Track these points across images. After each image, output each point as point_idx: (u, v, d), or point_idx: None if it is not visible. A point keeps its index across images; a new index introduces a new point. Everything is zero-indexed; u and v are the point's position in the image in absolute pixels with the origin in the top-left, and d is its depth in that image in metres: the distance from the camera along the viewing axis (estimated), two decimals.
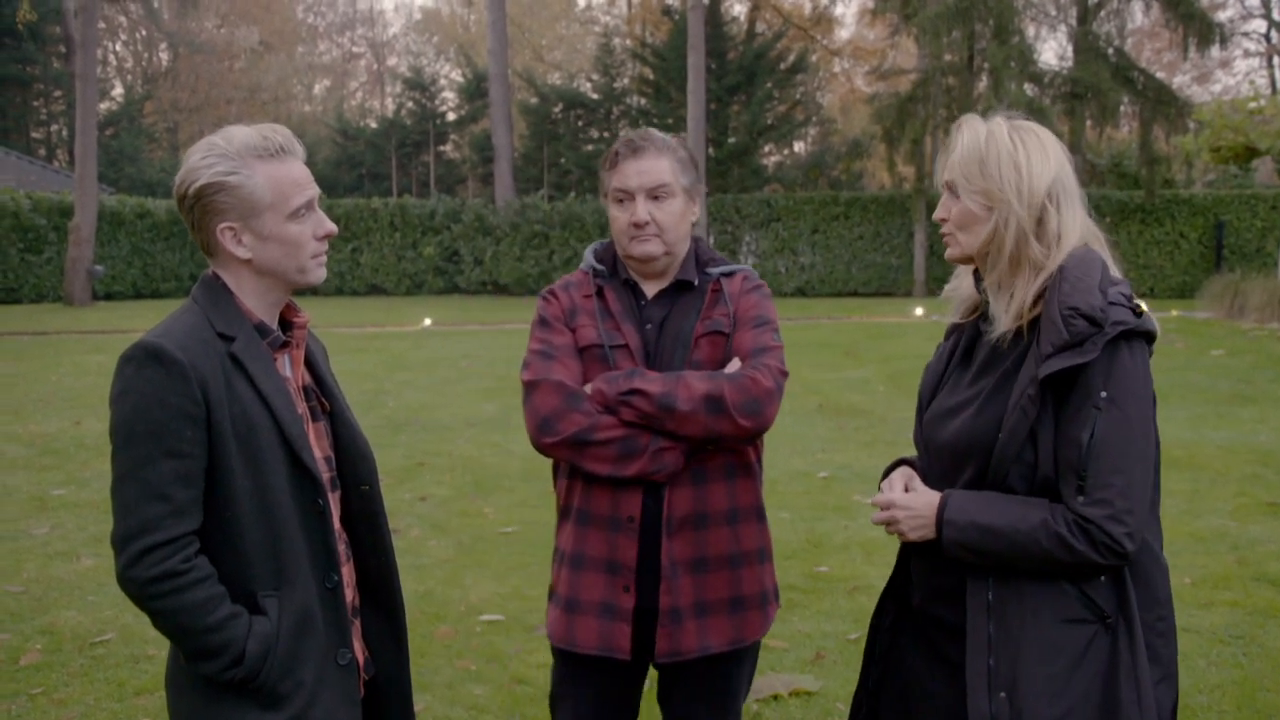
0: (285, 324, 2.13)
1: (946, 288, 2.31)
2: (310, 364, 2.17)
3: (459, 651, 4.60)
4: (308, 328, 2.16)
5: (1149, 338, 2.00)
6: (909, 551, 2.30)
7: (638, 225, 2.59)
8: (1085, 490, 1.93)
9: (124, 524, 1.88)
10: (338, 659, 2.05)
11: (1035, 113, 22.36)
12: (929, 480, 2.19)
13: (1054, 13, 27.74)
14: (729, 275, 2.71)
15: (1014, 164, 2.04)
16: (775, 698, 4.15)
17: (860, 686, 2.38)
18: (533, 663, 4.48)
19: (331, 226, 2.07)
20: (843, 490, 7.33)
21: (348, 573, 2.14)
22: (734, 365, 2.56)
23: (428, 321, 20.06)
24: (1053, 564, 1.96)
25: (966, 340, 2.23)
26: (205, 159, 1.97)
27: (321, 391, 2.17)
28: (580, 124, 33.22)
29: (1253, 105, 18.34)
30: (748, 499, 2.64)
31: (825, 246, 27.83)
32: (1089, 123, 25.76)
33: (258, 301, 2.05)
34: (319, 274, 2.07)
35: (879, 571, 5.63)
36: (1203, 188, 29.12)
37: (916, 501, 2.11)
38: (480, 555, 5.95)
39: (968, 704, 1.99)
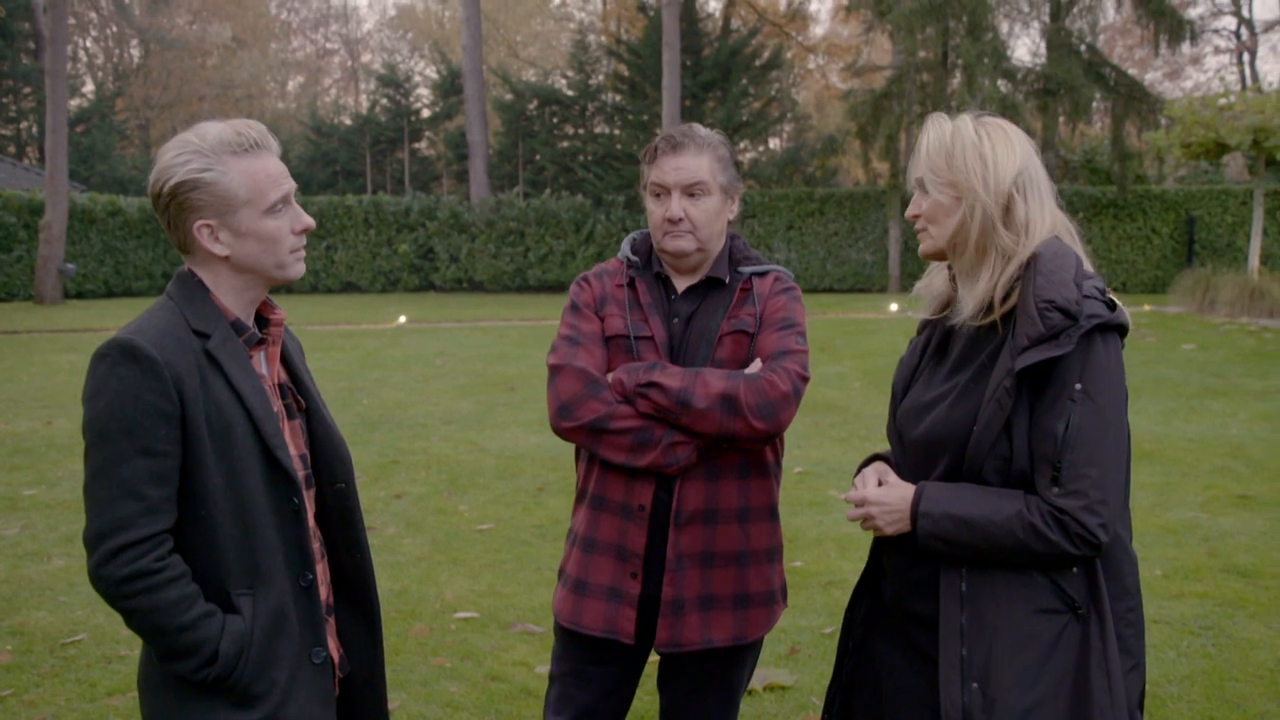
0: (261, 321, 2.12)
1: (918, 284, 2.34)
2: (286, 361, 2.16)
3: (434, 649, 4.59)
4: (284, 325, 2.15)
5: (1122, 331, 2.03)
6: (881, 545, 2.31)
7: (672, 221, 2.62)
8: (1060, 481, 1.95)
9: (97, 522, 1.86)
10: (312, 658, 2.04)
11: (1008, 109, 22.53)
12: (903, 475, 2.20)
13: (1027, 9, 27.84)
14: (761, 275, 2.73)
15: (979, 155, 2.08)
16: (750, 692, 4.16)
17: (834, 680, 2.39)
18: (508, 660, 4.47)
19: (309, 221, 2.06)
20: (818, 485, 7.35)
21: (322, 570, 2.13)
22: (755, 366, 2.59)
23: (403, 319, 19.99)
24: (1027, 555, 1.98)
25: (940, 335, 2.25)
26: (179, 156, 1.95)
27: (297, 389, 2.16)
28: (555, 121, 33.12)
29: (1223, 102, 18.48)
30: (761, 498, 2.67)
31: (801, 243, 27.88)
32: (1062, 119, 25.89)
33: (234, 298, 2.03)
34: (297, 269, 2.06)
35: (853, 566, 5.65)
36: (1174, 183, 29.34)
37: (890, 496, 2.12)
38: (455, 553, 5.93)
39: (940, 694, 2.00)
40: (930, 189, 2.13)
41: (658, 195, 2.66)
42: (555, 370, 2.61)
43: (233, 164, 1.96)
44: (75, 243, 25.63)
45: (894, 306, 20.73)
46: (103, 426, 1.87)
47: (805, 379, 2.58)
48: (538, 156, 32.25)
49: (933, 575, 2.10)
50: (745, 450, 2.62)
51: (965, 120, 2.14)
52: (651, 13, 31.18)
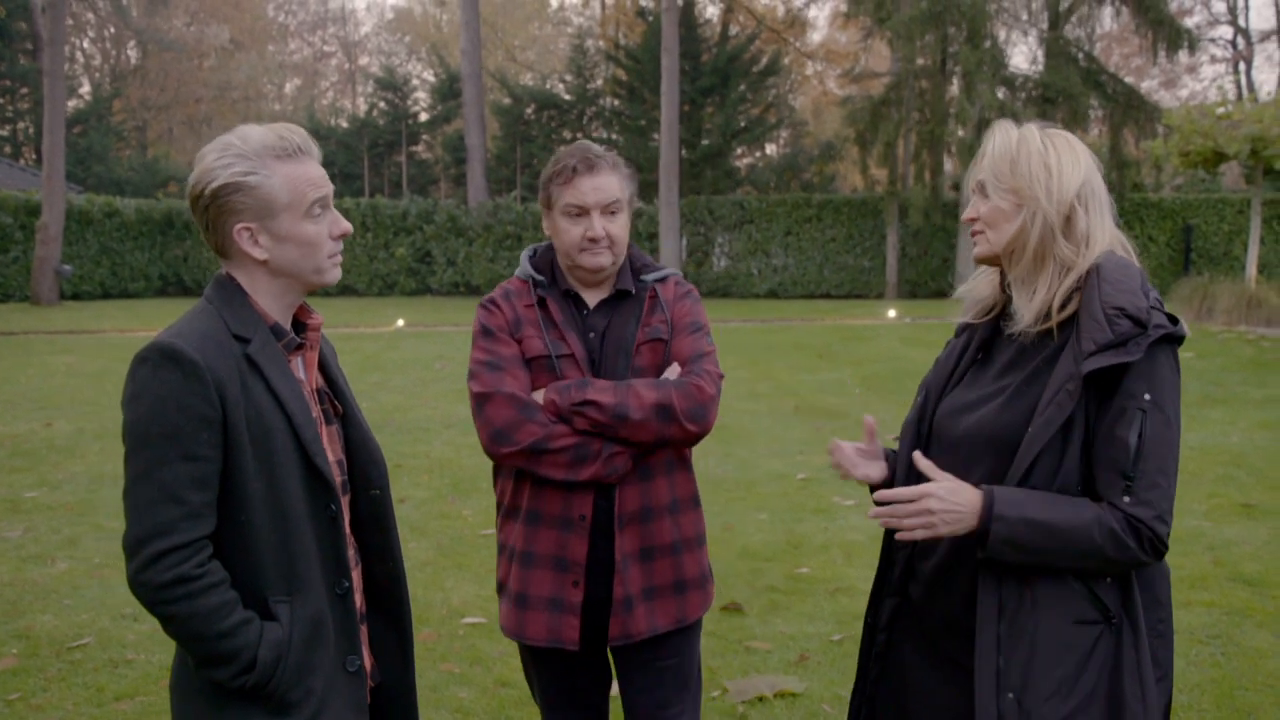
0: (298, 325, 2.11)
1: (961, 288, 2.35)
2: (323, 366, 2.15)
3: (442, 655, 4.58)
4: (321, 330, 2.14)
5: (1180, 343, 2.05)
6: (909, 547, 2.29)
7: (594, 240, 2.69)
8: (1133, 491, 1.95)
9: (137, 527, 1.84)
10: (346, 666, 2.03)
11: (1007, 116, 22.52)
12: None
13: (1025, 17, 27.90)
14: (661, 281, 2.84)
15: (1044, 164, 2.09)
16: (760, 699, 4.15)
17: (857, 688, 2.38)
18: (516, 665, 4.45)
19: (347, 226, 2.05)
20: (821, 492, 7.34)
21: (355, 578, 2.12)
22: (673, 370, 2.70)
23: (400, 323, 19.97)
24: (1099, 561, 1.97)
25: (981, 339, 2.26)
26: (221, 159, 1.93)
27: (334, 394, 2.14)
28: (553, 125, 33.15)
29: (1221, 111, 18.51)
30: (686, 489, 2.81)
31: (798, 248, 27.90)
32: (1060, 126, 25.92)
33: (273, 303, 2.02)
34: (335, 274, 2.05)
35: (859, 573, 5.65)
36: (1171, 192, 29.41)
37: (958, 495, 2.01)
38: (460, 558, 5.92)
39: (975, 704, 2.00)
40: (991, 193, 2.14)
41: (576, 216, 2.70)
42: (483, 398, 2.64)
43: (276, 168, 1.95)
44: (72, 244, 25.57)
45: (891, 313, 20.74)
46: (144, 430, 1.85)
47: (722, 376, 2.74)
48: (535, 161, 32.25)
49: (966, 580, 2.09)
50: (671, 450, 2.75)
51: (1031, 129, 2.16)
52: (650, 18, 31.21)
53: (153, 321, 19.25)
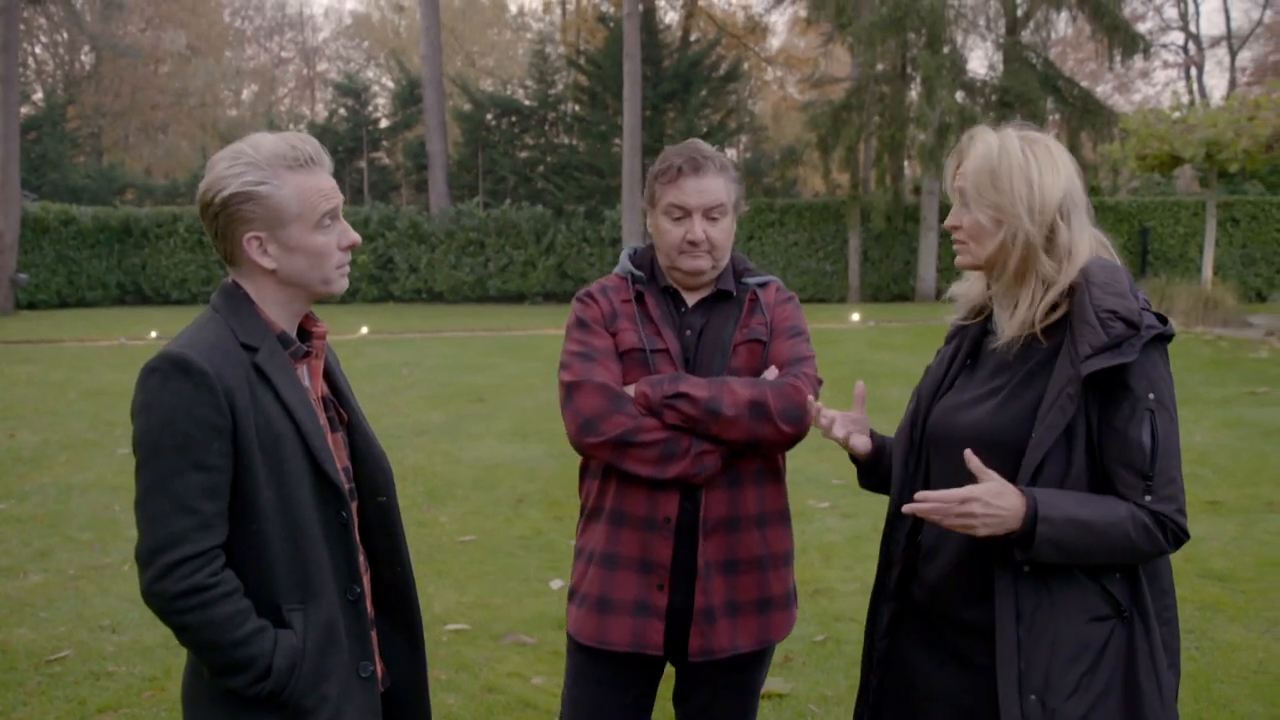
0: (303, 334, 2.10)
1: (953, 288, 2.35)
2: (328, 374, 2.14)
3: (428, 661, 4.55)
4: (326, 338, 2.14)
5: (1170, 341, 2.09)
6: (898, 549, 2.30)
7: (694, 243, 2.64)
8: (1153, 490, 1.99)
9: (150, 538, 1.84)
10: (360, 672, 2.03)
11: (967, 121, 22.80)
12: (934, 480, 2.21)
13: (983, 23, 28.23)
14: (763, 286, 2.79)
15: (1025, 178, 2.08)
16: None
17: (861, 696, 2.38)
18: (502, 671, 4.46)
19: (355, 237, 2.05)
20: (796, 495, 7.35)
21: (364, 584, 2.12)
22: (771, 372, 2.63)
23: (364, 330, 19.83)
24: (1131, 555, 2.01)
25: (971, 342, 2.27)
26: (233, 167, 1.93)
27: (339, 402, 2.14)
28: (515, 131, 33.08)
29: (1176, 115, 18.82)
30: (777, 503, 2.71)
31: (760, 253, 27.99)
32: (1037, 130, 26.22)
33: (280, 311, 2.02)
34: (342, 284, 2.05)
35: (838, 574, 5.69)
36: (1127, 195, 29.82)
37: (1004, 500, 1.99)
38: (440, 565, 5.90)
39: (1000, 708, 2.01)
40: (972, 206, 2.13)
41: (677, 218, 2.65)
42: (573, 386, 2.58)
43: (287, 178, 1.95)
44: (27, 252, 25.26)
45: (855, 316, 20.88)
46: (155, 441, 1.85)
47: (821, 382, 2.65)
48: (497, 166, 32.18)
49: (972, 580, 2.11)
50: (762, 456, 2.65)
51: (1011, 137, 2.13)
52: (611, 24, 31.24)
53: (112, 330, 19.01)
